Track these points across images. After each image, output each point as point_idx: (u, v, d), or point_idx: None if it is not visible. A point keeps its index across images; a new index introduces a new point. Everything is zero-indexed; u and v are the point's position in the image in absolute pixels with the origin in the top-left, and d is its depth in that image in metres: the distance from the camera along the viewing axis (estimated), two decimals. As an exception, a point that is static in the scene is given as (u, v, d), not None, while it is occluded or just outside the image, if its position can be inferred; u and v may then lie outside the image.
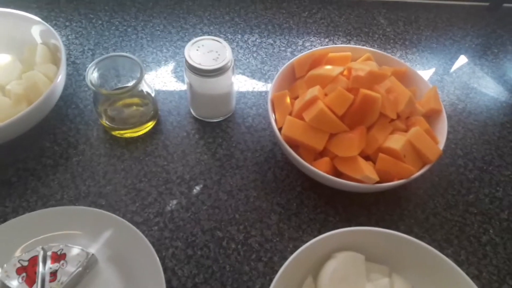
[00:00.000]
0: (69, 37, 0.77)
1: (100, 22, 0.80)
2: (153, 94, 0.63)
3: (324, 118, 0.54)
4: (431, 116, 0.61)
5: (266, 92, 0.71)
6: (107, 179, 0.59)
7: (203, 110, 0.66)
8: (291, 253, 0.47)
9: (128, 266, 0.51)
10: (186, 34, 0.79)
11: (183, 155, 0.63)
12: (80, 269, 0.49)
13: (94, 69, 0.58)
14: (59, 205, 0.57)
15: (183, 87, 0.71)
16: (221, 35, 0.79)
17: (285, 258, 0.47)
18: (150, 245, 0.51)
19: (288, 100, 0.59)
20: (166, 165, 0.61)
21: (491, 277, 0.54)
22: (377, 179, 0.52)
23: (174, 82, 0.71)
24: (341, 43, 0.80)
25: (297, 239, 0.56)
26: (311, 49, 0.77)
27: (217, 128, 0.66)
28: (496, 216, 0.60)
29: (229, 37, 0.79)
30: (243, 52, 0.77)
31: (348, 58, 0.64)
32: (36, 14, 0.75)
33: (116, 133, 0.64)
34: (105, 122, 0.62)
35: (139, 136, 0.64)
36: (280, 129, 0.57)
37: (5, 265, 0.48)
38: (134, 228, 0.52)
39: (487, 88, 0.75)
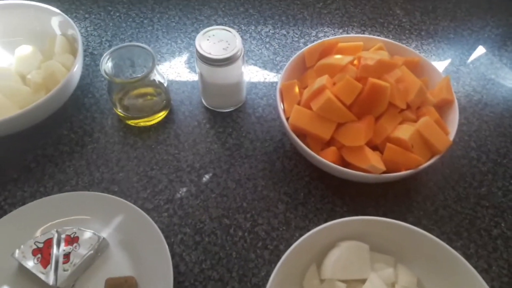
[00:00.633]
0: (88, 28, 0.79)
1: (117, 14, 0.82)
2: (165, 84, 0.64)
3: (331, 107, 0.54)
4: (443, 107, 0.60)
5: (277, 83, 0.71)
6: (120, 166, 0.61)
7: (214, 100, 0.67)
8: (297, 241, 0.48)
9: (137, 250, 0.53)
10: (201, 25, 0.80)
11: (194, 144, 0.64)
12: (91, 252, 0.51)
13: (108, 58, 0.60)
14: (74, 190, 0.59)
15: (196, 77, 0.72)
16: (235, 26, 0.80)
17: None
18: (159, 231, 0.52)
19: (296, 89, 0.60)
20: (177, 154, 0.63)
21: (501, 271, 0.53)
22: (384, 168, 0.52)
23: (187, 72, 0.73)
24: (355, 34, 0.79)
25: (303, 228, 0.56)
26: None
27: (227, 118, 0.67)
28: (509, 209, 0.58)
29: (243, 28, 0.80)
30: (256, 43, 0.77)
31: (359, 48, 0.64)
32: (57, 7, 0.78)
33: (130, 122, 0.65)
34: (119, 111, 0.64)
35: (152, 125, 0.66)
36: (288, 119, 0.57)
37: (22, 246, 0.51)
38: (145, 214, 0.53)
39: (506, 79, 0.73)
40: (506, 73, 0.74)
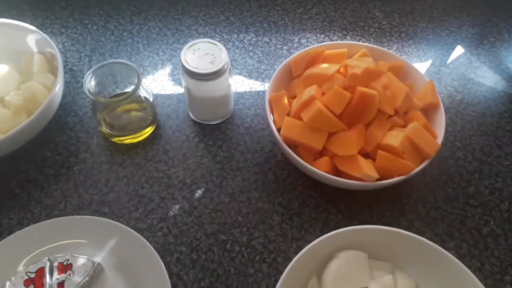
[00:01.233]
0: (65, 44, 0.77)
1: (95, 27, 0.80)
2: (151, 99, 0.63)
3: (322, 118, 0.54)
4: (428, 110, 0.61)
5: (264, 92, 0.71)
6: (109, 187, 0.60)
7: (202, 113, 0.66)
8: (295, 253, 0.48)
9: (134, 273, 0.52)
10: (182, 35, 0.79)
11: (184, 159, 0.63)
12: (86, 278, 0.50)
13: (91, 77, 0.58)
14: (63, 214, 0.57)
15: (181, 90, 0.71)
16: (217, 35, 0.79)
17: (289, 259, 0.48)
18: (154, 251, 0.51)
19: (285, 100, 0.60)
20: (167, 170, 0.62)
21: (493, 269, 0.55)
22: (377, 176, 0.53)
23: (172, 85, 0.72)
24: (337, 39, 0.80)
25: (300, 239, 0.56)
26: (308, 46, 0.77)
27: (216, 130, 0.66)
28: (496, 207, 0.60)
29: (225, 37, 0.79)
30: (239, 52, 0.77)
31: (344, 55, 0.64)
32: (31, 22, 0.75)
33: (116, 139, 0.64)
34: (104, 129, 0.62)
35: (139, 141, 0.65)
36: (279, 130, 0.57)
37: (12, 278, 0.49)
38: (138, 235, 0.52)
39: (484, 78, 0.75)
40: (485, 72, 0.76)
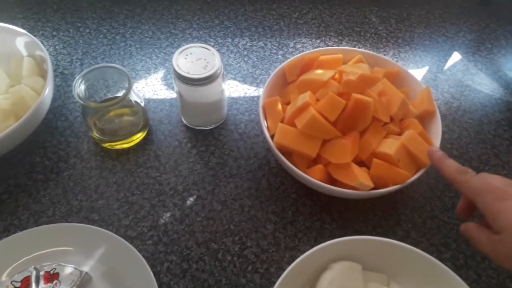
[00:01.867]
0: (57, 47, 0.76)
1: (87, 30, 0.79)
2: (142, 104, 0.62)
3: (316, 125, 0.53)
4: (425, 117, 0.60)
5: (258, 97, 0.70)
6: (99, 193, 0.59)
7: (195, 118, 0.65)
8: (288, 263, 0.47)
9: (122, 283, 0.50)
10: (176, 39, 0.78)
11: (176, 165, 0.62)
12: (73, 288, 0.48)
13: (81, 82, 0.57)
14: (51, 221, 0.56)
15: (174, 94, 0.70)
16: (211, 40, 0.78)
17: (282, 269, 0.47)
18: (144, 260, 0.50)
19: (279, 106, 0.59)
20: (159, 176, 0.61)
21: (490, 281, 0.54)
22: (372, 185, 0.52)
23: (164, 90, 0.70)
24: (333, 44, 0.79)
25: (293, 249, 0.55)
26: (303, 51, 0.76)
27: (209, 136, 0.65)
28: (493, 216, 0.59)
29: (219, 41, 0.78)
30: (234, 57, 0.76)
31: (339, 61, 0.63)
32: (22, 25, 0.75)
33: (107, 145, 0.63)
34: (95, 134, 0.61)
35: (130, 147, 0.63)
36: (272, 136, 0.56)
37: (-4, 288, 0.48)
38: (127, 243, 0.51)
39: (482, 85, 0.74)
40: (482, 78, 0.75)
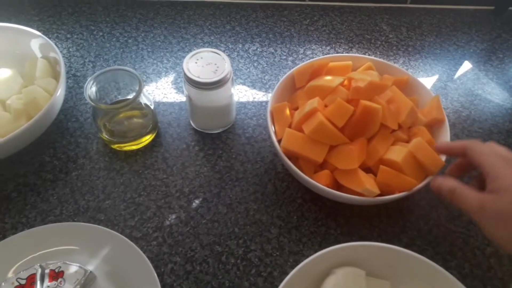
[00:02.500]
0: (70, 49, 0.77)
1: (101, 33, 0.80)
2: (152, 106, 0.63)
3: (323, 130, 0.53)
4: (433, 126, 0.60)
5: (266, 102, 0.70)
6: (106, 194, 0.59)
7: (203, 122, 0.65)
8: (291, 267, 0.47)
9: (126, 282, 0.51)
10: (187, 44, 0.79)
11: (183, 167, 0.62)
12: (78, 287, 0.49)
13: (92, 83, 0.58)
14: (58, 220, 0.57)
15: (183, 98, 0.70)
16: (222, 45, 0.79)
17: (285, 273, 0.46)
18: (148, 261, 0.50)
19: (287, 111, 0.59)
20: (166, 178, 0.61)
21: (496, 291, 0.53)
22: (378, 192, 0.51)
23: (174, 93, 0.71)
24: (343, 51, 0.79)
25: (297, 253, 0.55)
26: (313, 57, 0.76)
27: (217, 140, 0.66)
28: (502, 227, 0.58)
29: (230, 46, 0.79)
30: (244, 62, 0.76)
31: (348, 68, 0.63)
32: (38, 27, 0.76)
33: (115, 146, 0.63)
34: (104, 136, 0.62)
35: (138, 149, 0.64)
36: (280, 141, 0.56)
37: (3, 284, 0.48)
38: (133, 244, 0.51)
39: (492, 94, 0.73)
40: (492, 88, 0.74)
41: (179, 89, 0.72)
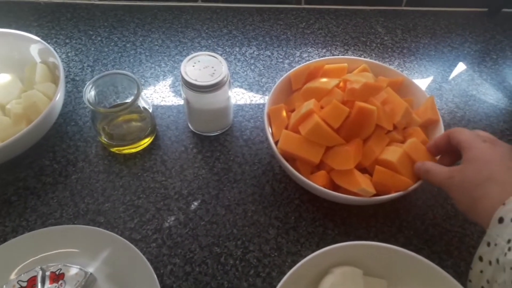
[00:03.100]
0: (69, 54, 0.78)
1: (99, 38, 0.81)
2: (150, 110, 0.64)
3: (320, 131, 0.54)
4: (428, 126, 0.61)
5: (263, 105, 0.71)
6: (106, 196, 0.60)
7: (201, 124, 0.66)
8: (290, 268, 0.47)
9: (126, 284, 0.51)
10: (184, 48, 0.80)
11: (181, 170, 0.63)
12: (78, 288, 0.49)
13: (91, 87, 0.59)
14: (58, 223, 0.57)
15: (181, 101, 0.71)
16: (219, 48, 0.80)
17: (284, 273, 0.47)
18: (148, 263, 0.51)
19: (284, 113, 0.60)
20: (164, 181, 0.62)
21: (492, 289, 0.53)
22: (374, 192, 0.52)
23: (172, 96, 0.72)
24: (339, 53, 0.80)
25: (295, 254, 0.55)
26: (309, 60, 0.77)
27: (215, 142, 0.66)
28: (497, 226, 0.59)
29: (227, 50, 0.80)
30: (241, 65, 0.77)
31: (344, 70, 0.64)
32: (37, 33, 0.77)
33: (114, 149, 0.64)
34: (103, 139, 0.62)
35: (137, 152, 0.65)
36: (276, 143, 0.57)
37: (4, 286, 0.49)
38: (132, 246, 0.52)
39: (486, 95, 0.74)
40: (486, 89, 0.75)
41: (177, 93, 0.73)
